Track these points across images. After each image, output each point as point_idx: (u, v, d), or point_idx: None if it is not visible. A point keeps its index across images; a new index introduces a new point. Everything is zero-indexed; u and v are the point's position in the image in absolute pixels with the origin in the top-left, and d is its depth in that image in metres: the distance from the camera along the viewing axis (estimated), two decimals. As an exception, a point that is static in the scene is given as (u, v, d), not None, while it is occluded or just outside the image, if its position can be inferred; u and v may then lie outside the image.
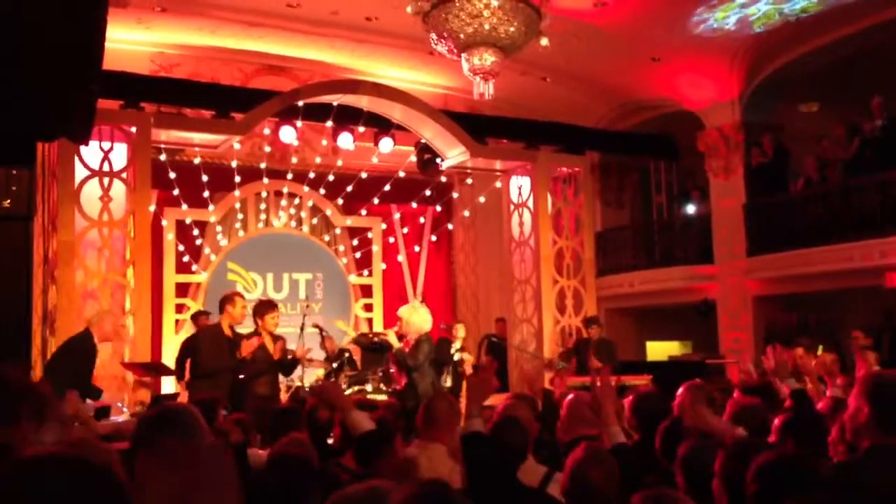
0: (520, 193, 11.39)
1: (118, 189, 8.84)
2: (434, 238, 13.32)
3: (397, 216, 13.09)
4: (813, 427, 4.02)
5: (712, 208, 11.72)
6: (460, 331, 9.98)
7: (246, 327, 7.89)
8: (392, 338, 7.73)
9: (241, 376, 6.98)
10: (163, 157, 9.51)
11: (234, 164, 10.65)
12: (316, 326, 9.30)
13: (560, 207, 11.34)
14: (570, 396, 3.93)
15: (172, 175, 9.86)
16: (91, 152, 8.64)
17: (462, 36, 6.98)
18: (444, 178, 12.07)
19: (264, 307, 7.23)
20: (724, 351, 11.10)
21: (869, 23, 9.41)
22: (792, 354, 8.79)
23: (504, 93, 10.57)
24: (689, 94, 11.39)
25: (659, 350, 13.36)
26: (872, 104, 9.93)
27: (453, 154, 10.71)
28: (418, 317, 7.63)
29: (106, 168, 8.73)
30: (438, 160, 11.02)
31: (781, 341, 10.32)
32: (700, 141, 11.55)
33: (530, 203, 11.19)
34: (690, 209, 12.59)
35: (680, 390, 4.27)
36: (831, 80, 10.61)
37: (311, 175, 11.65)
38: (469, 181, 12.25)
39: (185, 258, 11.34)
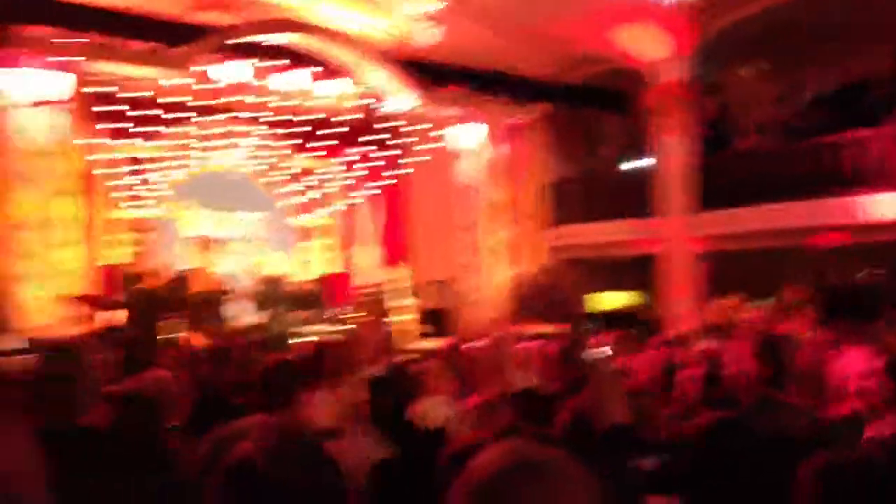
0: (468, 142, 11.36)
1: (54, 120, 8.63)
2: (385, 182, 13.23)
3: (350, 158, 12.94)
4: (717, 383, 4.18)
5: (658, 164, 11.82)
6: (403, 274, 9.98)
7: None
8: None
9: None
10: (102, 89, 9.27)
11: (178, 99, 10.38)
12: (253, 267, 9.23)
13: (508, 157, 11.34)
14: (472, 347, 4.00)
15: (112, 109, 9.63)
16: (25, 81, 8.40)
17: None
18: (397, 122, 11.93)
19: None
20: (667, 304, 11.33)
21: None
22: (725, 307, 9.09)
23: (455, 42, 10.46)
24: (639, 49, 11.36)
25: (610, 301, 13.52)
26: (812, 72, 10.05)
27: (403, 99, 10.60)
28: None
29: (41, 98, 8.50)
30: (387, 105, 10.91)
31: (720, 296, 10.65)
32: (648, 97, 11.59)
33: (480, 152, 11.18)
34: (637, 164, 12.68)
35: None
36: (776, 43, 10.68)
37: (263, 114, 11.44)
38: (420, 126, 12.12)
39: (122, 194, 11.05)
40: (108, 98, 9.54)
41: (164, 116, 10.50)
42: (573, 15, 10.74)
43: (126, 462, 2.37)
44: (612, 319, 10.09)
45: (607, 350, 4.37)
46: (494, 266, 11.21)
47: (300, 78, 10.22)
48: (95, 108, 9.42)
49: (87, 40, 8.72)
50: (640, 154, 12.75)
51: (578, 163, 13.86)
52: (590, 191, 13.15)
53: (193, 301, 7.09)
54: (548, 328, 8.11)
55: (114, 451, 2.43)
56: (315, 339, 6.34)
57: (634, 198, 12.35)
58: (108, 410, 2.78)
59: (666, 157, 11.62)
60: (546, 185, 12.55)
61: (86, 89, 9.13)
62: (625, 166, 13.28)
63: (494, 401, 3.01)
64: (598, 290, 13.70)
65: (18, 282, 8.29)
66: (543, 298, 10.05)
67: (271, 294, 8.53)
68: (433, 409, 3.61)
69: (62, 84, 8.60)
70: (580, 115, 13.41)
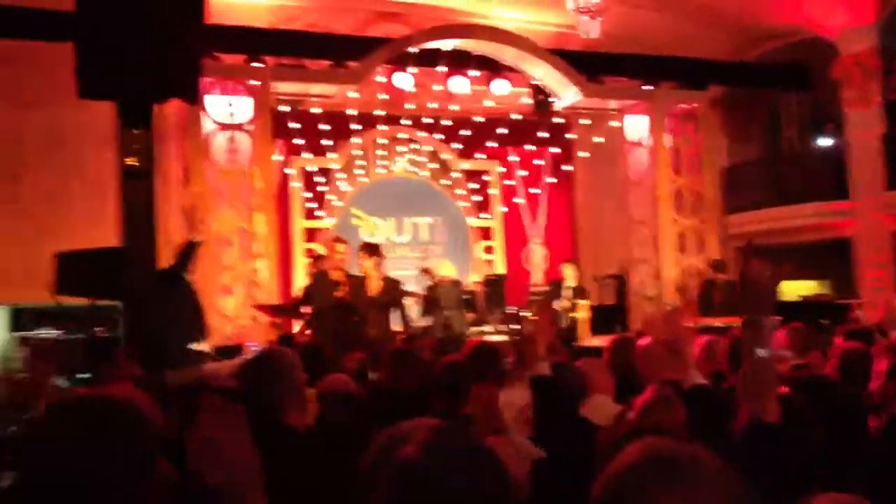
0: (637, 132, 11.15)
1: (244, 141, 9.39)
2: (552, 179, 13.25)
3: (514, 158, 13.07)
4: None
5: (848, 140, 11.07)
6: (571, 271, 9.95)
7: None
8: None
9: (356, 318, 7.33)
10: (284, 108, 10.00)
11: (352, 112, 10.98)
12: (425, 271, 9.46)
13: (679, 145, 11.02)
14: (644, 342, 3.95)
15: (294, 125, 10.37)
16: (217, 106, 9.19)
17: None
18: (560, 119, 11.93)
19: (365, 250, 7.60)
20: (863, 290, 10.59)
21: None
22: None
23: (621, 29, 10.28)
24: (821, 18, 10.67)
25: (794, 290, 12.83)
26: None
27: (567, 94, 10.58)
28: None
29: (232, 121, 9.27)
30: (553, 101, 10.91)
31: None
32: (834, 70, 10.84)
33: (647, 141, 10.95)
34: (824, 142, 11.91)
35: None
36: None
37: (428, 120, 11.83)
38: (585, 121, 12.03)
39: (311, 205, 11.83)
40: (291, 116, 10.28)
41: (347, 128, 11.15)
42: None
43: (326, 461, 2.58)
44: (796, 309, 9.55)
45: (771, 348, 4.17)
46: (669, 258, 10.92)
47: (469, 81, 10.43)
48: (282, 126, 10.15)
49: (273, 63, 9.42)
50: (824, 132, 11.97)
51: (756, 146, 13.21)
52: (770, 174, 12.47)
53: (373, 306, 7.46)
54: (724, 322, 7.83)
55: (317, 450, 2.66)
56: (485, 340, 6.47)
57: (821, 178, 11.63)
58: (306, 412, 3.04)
59: (856, 132, 10.85)
60: (722, 170, 12.06)
61: (278, 107, 9.88)
62: (808, 146, 12.51)
63: (665, 398, 2.99)
64: (780, 279, 12.94)
65: (219, 293, 9.09)
66: (720, 290, 9.70)
67: (443, 296, 8.79)
68: (602, 407, 3.63)
69: (251, 106, 9.32)
70: (755, 95, 12.77)
